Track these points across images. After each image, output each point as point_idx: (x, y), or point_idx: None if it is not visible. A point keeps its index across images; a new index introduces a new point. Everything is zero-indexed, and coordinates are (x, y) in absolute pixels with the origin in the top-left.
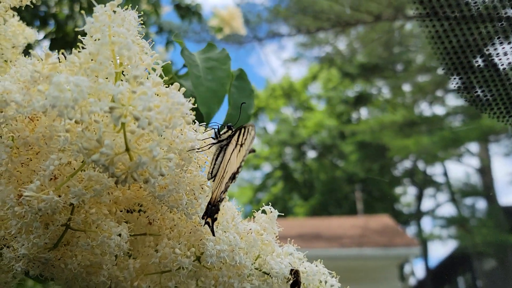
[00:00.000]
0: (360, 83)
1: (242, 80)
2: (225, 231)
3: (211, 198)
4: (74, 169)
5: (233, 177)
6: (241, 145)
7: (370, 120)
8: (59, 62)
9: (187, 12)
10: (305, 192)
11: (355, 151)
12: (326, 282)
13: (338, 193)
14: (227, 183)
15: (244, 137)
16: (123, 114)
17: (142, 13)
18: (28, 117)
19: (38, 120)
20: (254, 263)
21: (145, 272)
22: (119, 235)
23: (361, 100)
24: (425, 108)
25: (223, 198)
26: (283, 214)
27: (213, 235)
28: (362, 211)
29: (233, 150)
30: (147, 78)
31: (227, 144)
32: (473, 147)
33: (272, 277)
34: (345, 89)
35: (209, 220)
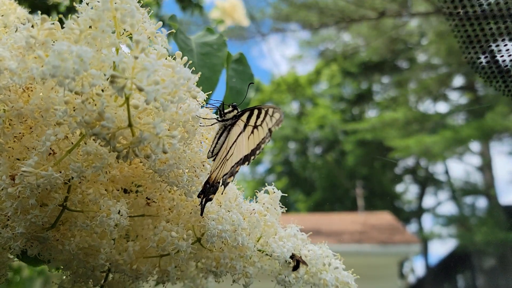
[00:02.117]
0: (363, 80)
1: (241, 64)
2: (228, 211)
3: (209, 177)
4: (72, 143)
5: (243, 161)
6: (255, 127)
7: (372, 118)
8: (55, 30)
9: (189, 4)
10: (307, 188)
11: (357, 148)
12: (330, 264)
13: (340, 189)
14: (233, 166)
15: (261, 120)
16: (127, 85)
17: (141, 2)
18: (22, 87)
19: (32, 91)
20: (256, 244)
21: (144, 255)
22: (119, 212)
23: (365, 97)
24: (428, 106)
25: (228, 182)
26: (286, 209)
27: (201, 215)
28: (363, 207)
29: (241, 132)
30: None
31: (232, 125)
32: (475, 145)
33: (273, 259)
34: (349, 86)
35: (203, 200)
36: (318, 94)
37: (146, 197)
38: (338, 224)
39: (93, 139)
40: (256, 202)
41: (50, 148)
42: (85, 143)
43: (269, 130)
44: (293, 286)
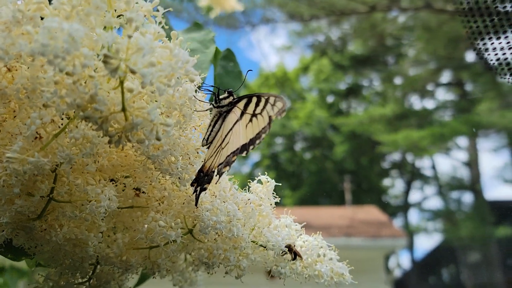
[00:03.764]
0: (352, 74)
1: (229, 61)
2: (223, 201)
3: (203, 165)
4: (59, 127)
5: (241, 150)
6: (254, 116)
7: (360, 113)
8: (44, 5)
9: None
10: (294, 183)
11: (344, 142)
12: (325, 255)
13: (327, 184)
14: (229, 155)
15: (261, 108)
16: (121, 67)
17: None
18: (7, 65)
19: (16, 70)
20: (250, 235)
21: (134, 247)
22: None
23: (352, 92)
24: (415, 102)
25: (222, 172)
26: (279, 199)
27: (195, 205)
28: (350, 202)
29: (238, 119)
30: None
31: (228, 112)
32: (462, 141)
33: (267, 250)
34: (336, 80)
35: (197, 189)
36: (306, 89)
37: (135, 188)
38: (326, 218)
39: (82, 123)
40: (249, 192)
41: (36, 132)
42: (77, 126)
43: (269, 118)
44: (288, 277)
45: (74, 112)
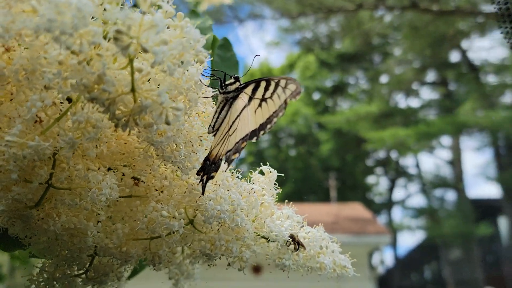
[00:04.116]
0: (338, 72)
1: (226, 50)
2: (227, 190)
3: (210, 154)
4: (61, 111)
5: (251, 136)
6: (264, 100)
7: (346, 110)
8: None
9: None
10: (279, 179)
11: (330, 140)
12: (327, 247)
13: (313, 181)
14: (238, 142)
15: (271, 92)
16: (132, 44)
17: None
18: (5, 46)
19: (14, 51)
20: (252, 226)
21: (134, 237)
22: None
23: (338, 89)
24: (400, 100)
25: (232, 159)
26: (281, 189)
27: (202, 194)
28: (335, 198)
29: (246, 105)
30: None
31: (234, 98)
32: (445, 140)
33: (270, 241)
34: (322, 78)
35: (204, 178)
36: None
37: (133, 177)
38: (311, 215)
39: (86, 107)
40: (251, 183)
41: (36, 115)
42: (82, 108)
43: (284, 101)
44: (291, 269)
45: (77, 94)
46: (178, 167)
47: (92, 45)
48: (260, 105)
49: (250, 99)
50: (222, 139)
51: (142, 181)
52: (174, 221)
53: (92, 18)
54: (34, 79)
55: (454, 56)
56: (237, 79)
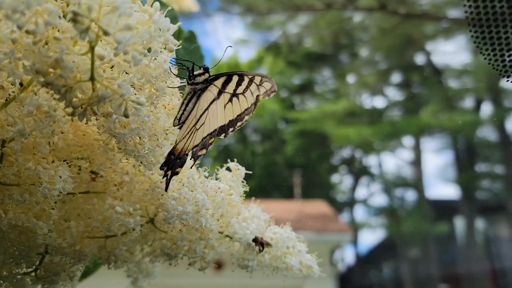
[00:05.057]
0: (305, 71)
1: (192, 43)
2: (192, 190)
3: (175, 148)
4: (9, 95)
5: (219, 132)
6: (235, 96)
7: (313, 108)
8: None
9: None
10: (244, 175)
11: (296, 137)
12: (294, 247)
13: (277, 178)
14: (205, 137)
15: (243, 88)
16: (92, 29)
17: None
18: None
19: None
20: (217, 225)
21: (89, 235)
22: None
23: (305, 87)
24: (366, 100)
25: (199, 155)
26: (249, 187)
27: (165, 190)
28: (299, 196)
29: (215, 98)
30: None
31: (203, 90)
32: (407, 141)
33: (234, 241)
34: (290, 75)
35: (169, 173)
36: None
37: (91, 171)
38: (275, 211)
39: (38, 93)
40: (218, 180)
41: None
42: (35, 93)
43: (256, 98)
44: (255, 270)
45: (29, 78)
46: (141, 162)
47: (48, 26)
48: (230, 100)
49: (220, 92)
50: (188, 133)
51: (100, 176)
52: (130, 218)
53: None
54: None
55: (419, 59)
56: (206, 70)
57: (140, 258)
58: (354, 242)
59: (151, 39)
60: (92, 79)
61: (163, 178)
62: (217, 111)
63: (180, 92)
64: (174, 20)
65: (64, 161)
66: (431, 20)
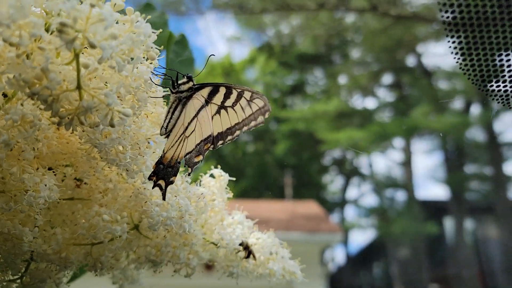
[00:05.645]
0: (297, 71)
1: (182, 47)
2: (175, 196)
3: (163, 157)
4: None
5: (212, 140)
6: (224, 108)
7: (304, 109)
8: None
9: None
10: (235, 174)
11: (287, 138)
12: (277, 253)
13: (269, 178)
14: (199, 144)
15: (233, 101)
16: (78, 39)
17: None
18: None
19: None
20: (201, 232)
21: (75, 242)
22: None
23: (297, 88)
24: (357, 101)
25: (195, 163)
26: (232, 194)
27: (163, 199)
28: (290, 196)
29: (203, 106)
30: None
31: (188, 98)
32: (398, 142)
33: (219, 247)
34: (282, 75)
35: (161, 182)
36: (252, 81)
37: (76, 178)
38: (266, 212)
39: (23, 103)
40: (201, 186)
41: None
42: (22, 104)
43: (251, 117)
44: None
45: (13, 90)
46: (125, 170)
47: (32, 38)
48: (218, 112)
49: (207, 102)
50: (177, 141)
51: (85, 183)
52: (117, 225)
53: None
54: None
55: (410, 61)
56: (190, 78)
57: (125, 265)
58: (345, 242)
59: (133, 45)
60: (78, 87)
61: (153, 188)
62: (208, 118)
63: (164, 101)
64: (164, 25)
65: (49, 169)
66: (421, 22)
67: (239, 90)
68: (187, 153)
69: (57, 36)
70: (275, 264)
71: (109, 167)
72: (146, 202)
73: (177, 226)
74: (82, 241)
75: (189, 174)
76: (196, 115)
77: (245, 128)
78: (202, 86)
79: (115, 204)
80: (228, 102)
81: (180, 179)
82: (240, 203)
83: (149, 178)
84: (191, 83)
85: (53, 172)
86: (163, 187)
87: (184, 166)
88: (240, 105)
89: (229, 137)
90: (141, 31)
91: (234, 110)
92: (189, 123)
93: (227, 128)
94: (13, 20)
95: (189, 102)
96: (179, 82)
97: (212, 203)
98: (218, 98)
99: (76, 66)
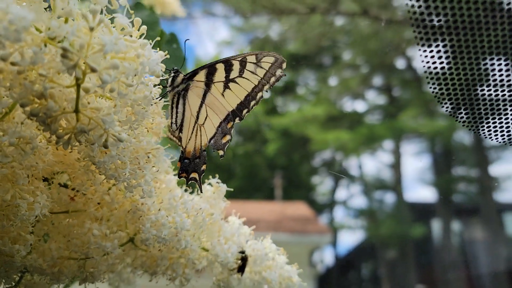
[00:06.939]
0: (288, 72)
1: (173, 46)
2: (169, 214)
3: (185, 152)
4: None
5: (233, 117)
6: (231, 81)
7: (294, 112)
8: None
9: None
10: (225, 175)
11: (278, 139)
12: (274, 259)
13: (259, 179)
14: (219, 126)
15: (238, 71)
16: (79, 66)
17: None
18: None
19: None
20: (198, 245)
21: (69, 256)
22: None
23: (287, 90)
24: (347, 104)
25: (225, 143)
26: (229, 202)
27: (201, 191)
28: (280, 197)
29: (206, 91)
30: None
31: (185, 89)
32: (387, 144)
33: (215, 263)
34: None
35: (194, 175)
36: None
37: (73, 188)
38: (255, 212)
39: (21, 120)
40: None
41: None
42: (22, 123)
43: (268, 75)
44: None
45: (10, 106)
46: (123, 185)
47: (34, 63)
48: (227, 87)
49: (208, 84)
50: (192, 132)
51: (82, 193)
52: (107, 241)
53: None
54: None
55: (400, 63)
56: (176, 71)
57: (122, 268)
58: (334, 243)
59: (136, 73)
60: (76, 111)
61: (187, 184)
62: (218, 100)
63: (165, 105)
64: (155, 25)
65: (44, 179)
66: (411, 26)
67: (239, 59)
68: (210, 139)
69: (59, 60)
70: (271, 273)
71: (107, 181)
72: (141, 217)
73: (173, 242)
74: (75, 256)
75: (221, 157)
76: (203, 102)
77: (266, 86)
78: (194, 72)
79: (111, 216)
80: (233, 74)
81: (179, 193)
82: (230, 204)
83: (179, 176)
84: (181, 75)
85: (48, 183)
86: (197, 178)
87: (213, 150)
88: (249, 71)
89: (253, 102)
90: (145, 59)
91: (244, 78)
92: (198, 112)
93: (246, 96)
94: (17, 41)
95: (188, 93)
96: (170, 77)
97: (211, 217)
98: (220, 75)
99: (76, 92)
